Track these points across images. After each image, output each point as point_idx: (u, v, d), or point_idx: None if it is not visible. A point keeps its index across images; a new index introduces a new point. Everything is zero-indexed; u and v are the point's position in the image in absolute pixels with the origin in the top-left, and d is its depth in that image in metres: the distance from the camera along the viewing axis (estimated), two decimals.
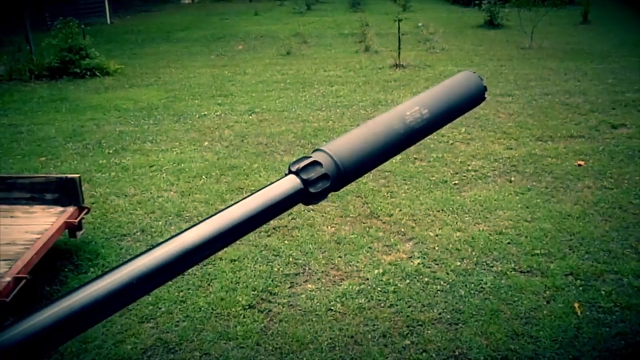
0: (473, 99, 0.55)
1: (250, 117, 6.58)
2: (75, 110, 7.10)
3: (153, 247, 0.44)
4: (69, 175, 3.53)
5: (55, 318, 0.40)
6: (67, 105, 7.34)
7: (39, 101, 7.61)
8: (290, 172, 0.48)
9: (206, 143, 5.70)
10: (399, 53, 9.20)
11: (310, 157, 0.48)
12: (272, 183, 0.47)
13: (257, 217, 0.46)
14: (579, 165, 4.82)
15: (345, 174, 0.48)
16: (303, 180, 0.47)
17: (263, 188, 0.47)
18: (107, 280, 0.42)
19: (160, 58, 10.85)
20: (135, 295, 0.43)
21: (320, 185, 0.47)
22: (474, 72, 0.56)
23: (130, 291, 0.42)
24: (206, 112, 6.81)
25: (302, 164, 0.48)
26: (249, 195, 0.47)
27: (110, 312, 0.42)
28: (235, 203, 0.46)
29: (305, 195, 0.47)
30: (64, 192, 3.49)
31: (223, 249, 0.48)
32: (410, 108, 0.51)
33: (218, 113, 6.78)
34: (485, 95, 0.56)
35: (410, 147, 0.52)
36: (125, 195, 4.48)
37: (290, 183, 0.47)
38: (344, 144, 0.49)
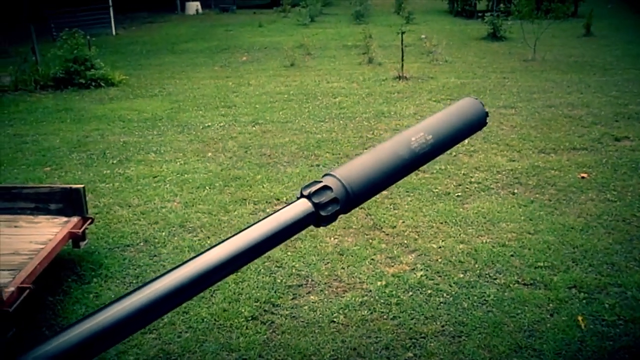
0: (475, 124, 0.57)
1: (254, 128, 6.61)
2: (80, 121, 7.14)
3: (176, 267, 0.46)
4: (73, 186, 3.54)
5: (86, 334, 0.42)
6: (72, 116, 7.39)
7: (44, 111, 7.66)
8: (302, 195, 0.50)
9: (210, 154, 5.72)
10: (402, 65, 9.24)
11: (321, 181, 0.50)
12: (285, 206, 0.49)
13: (271, 239, 0.48)
14: (582, 177, 4.82)
15: (354, 197, 0.51)
16: (314, 204, 0.49)
17: (277, 211, 0.49)
18: (128, 302, 0.44)
19: (164, 69, 10.92)
20: (156, 315, 0.45)
21: (330, 208, 0.50)
22: (476, 99, 0.58)
23: (154, 310, 0.44)
24: (210, 123, 6.85)
25: (313, 189, 0.50)
26: (264, 218, 0.49)
27: (133, 330, 0.44)
28: (252, 225, 0.48)
29: (316, 218, 0.49)
30: (68, 202, 3.50)
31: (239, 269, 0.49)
32: (415, 134, 0.53)
33: (222, 124, 6.81)
34: (487, 121, 0.58)
35: (415, 170, 0.54)
36: (129, 206, 4.50)
37: (303, 207, 0.49)
38: (353, 169, 0.51)
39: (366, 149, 5.71)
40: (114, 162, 5.55)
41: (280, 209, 0.51)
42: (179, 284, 0.45)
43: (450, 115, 0.58)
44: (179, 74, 10.33)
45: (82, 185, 3.55)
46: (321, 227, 2.97)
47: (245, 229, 0.49)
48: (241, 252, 0.47)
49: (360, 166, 0.53)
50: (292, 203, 0.51)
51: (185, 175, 5.11)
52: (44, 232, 3.32)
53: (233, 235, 0.48)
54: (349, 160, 0.54)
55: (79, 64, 9.02)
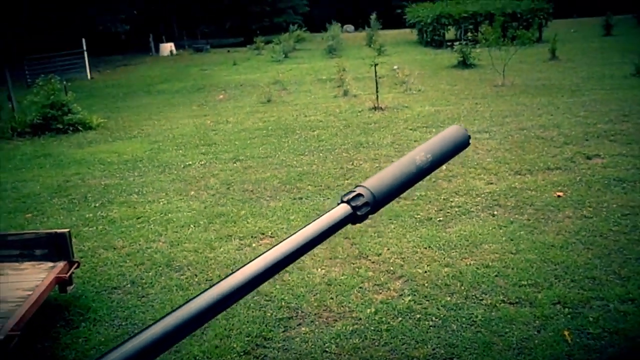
0: (461, 145, 0.73)
1: (235, 164, 6.66)
2: (60, 166, 7.13)
3: (241, 267, 0.57)
4: (59, 230, 3.54)
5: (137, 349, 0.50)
6: (51, 161, 7.37)
7: (22, 158, 7.63)
8: (342, 201, 0.64)
9: (192, 192, 5.75)
10: (377, 96, 9.44)
11: (355, 190, 0.65)
12: (329, 211, 0.63)
13: (322, 236, 0.61)
14: (558, 196, 4.96)
15: (380, 201, 0.66)
16: (352, 207, 0.63)
17: (323, 214, 0.61)
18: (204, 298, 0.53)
19: (142, 110, 10.97)
20: (232, 300, 0.55)
21: (363, 209, 0.63)
22: (461, 126, 0.71)
23: (228, 298, 0.54)
24: (190, 162, 6.89)
25: (350, 196, 0.64)
26: (313, 220, 0.61)
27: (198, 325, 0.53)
28: (304, 227, 0.61)
29: (353, 218, 0.63)
30: (54, 247, 3.49)
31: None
32: (419, 153, 0.70)
33: (202, 162, 6.86)
34: (470, 142, 0.70)
35: (420, 181, 0.70)
36: (114, 248, 4.49)
37: (344, 210, 0.63)
38: (377, 180, 0.66)
39: (347, 179, 5.80)
40: (97, 205, 5.55)
41: (325, 212, 0.63)
42: (245, 280, 0.56)
43: (442, 139, 0.73)
44: (156, 115, 10.39)
45: (67, 230, 3.55)
46: (308, 260, 3.04)
47: (299, 230, 0.61)
48: (300, 246, 0.59)
49: (382, 178, 0.67)
50: (334, 208, 0.64)
51: (169, 215, 5.12)
52: (31, 279, 3.31)
53: (293, 234, 0.60)
54: (375, 174, 0.68)
55: (56, 109, 9.04)
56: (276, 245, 0.59)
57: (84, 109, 9.78)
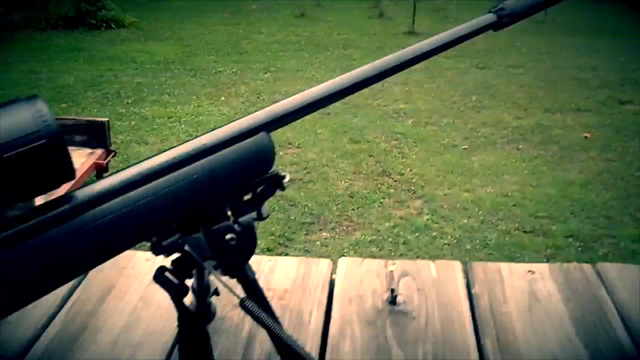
0: None
1: (266, 75, 6.69)
2: (93, 61, 7.21)
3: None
4: (98, 119, 3.69)
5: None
6: (85, 55, 7.44)
7: (56, 50, 7.70)
8: (489, 12, 0.80)
9: (223, 98, 5.83)
10: (414, 20, 9.23)
11: (499, 5, 0.79)
12: (481, 17, 0.79)
13: (470, 34, 0.78)
14: (585, 137, 4.96)
15: (516, 15, 0.81)
16: (497, 16, 0.80)
17: (475, 19, 0.78)
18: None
19: (174, 14, 10.85)
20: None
21: (505, 19, 0.80)
22: None
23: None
24: (222, 69, 6.92)
25: (496, 8, 0.80)
26: (469, 21, 0.77)
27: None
28: (458, 26, 0.77)
29: (497, 24, 0.79)
30: (93, 134, 3.65)
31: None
32: None
33: (234, 70, 6.89)
34: None
35: (543, 10, 0.85)
36: (146, 143, 4.65)
37: (490, 17, 0.79)
38: (513, 2, 0.81)
39: (376, 100, 5.83)
40: (129, 101, 5.67)
41: (478, 17, 0.79)
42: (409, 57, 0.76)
43: None
44: (188, 19, 10.29)
45: (106, 119, 3.70)
46: (332, 172, 3.18)
47: (451, 29, 0.77)
48: (453, 39, 0.77)
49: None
50: (484, 15, 0.80)
51: (200, 117, 5.24)
52: None
53: (447, 31, 0.77)
54: None
55: (90, 4, 9.00)
56: (431, 38, 0.76)
57: (117, 6, 9.71)
